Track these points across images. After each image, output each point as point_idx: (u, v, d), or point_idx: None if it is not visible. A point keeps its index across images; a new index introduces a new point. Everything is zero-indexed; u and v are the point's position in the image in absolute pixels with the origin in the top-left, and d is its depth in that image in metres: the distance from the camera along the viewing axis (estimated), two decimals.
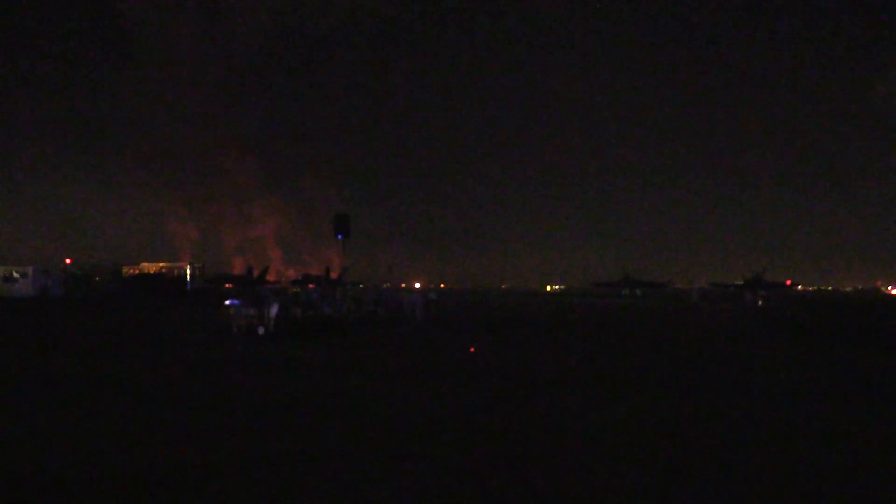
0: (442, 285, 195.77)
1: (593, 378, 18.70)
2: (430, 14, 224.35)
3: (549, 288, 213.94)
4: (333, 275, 57.94)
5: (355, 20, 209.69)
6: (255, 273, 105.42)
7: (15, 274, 73.82)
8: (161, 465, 9.62)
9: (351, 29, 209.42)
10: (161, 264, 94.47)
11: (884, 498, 8.59)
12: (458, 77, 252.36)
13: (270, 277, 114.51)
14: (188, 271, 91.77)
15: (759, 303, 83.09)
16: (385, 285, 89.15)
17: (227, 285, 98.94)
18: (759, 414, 13.70)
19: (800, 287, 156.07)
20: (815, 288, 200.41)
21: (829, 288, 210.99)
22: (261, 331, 30.11)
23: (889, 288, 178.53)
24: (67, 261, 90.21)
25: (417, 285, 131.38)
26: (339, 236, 39.58)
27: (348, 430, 11.95)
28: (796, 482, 9.01)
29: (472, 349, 25.57)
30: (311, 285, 78.25)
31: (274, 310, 31.20)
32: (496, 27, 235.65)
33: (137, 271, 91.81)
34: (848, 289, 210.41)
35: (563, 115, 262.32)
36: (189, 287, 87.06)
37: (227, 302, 33.93)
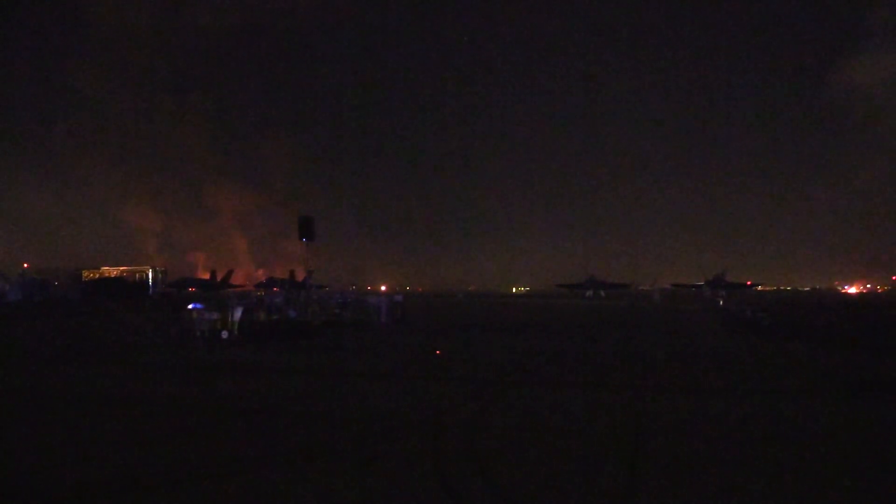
0: (408, 288, 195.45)
1: (559, 378, 18.97)
2: (403, 15, 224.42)
3: (514, 290, 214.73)
4: (298, 277, 57.58)
5: (325, 17, 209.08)
6: (219, 277, 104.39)
7: None
8: (129, 471, 9.57)
9: (322, 27, 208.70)
10: (122, 268, 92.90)
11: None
12: (426, 82, 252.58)
13: (237, 280, 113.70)
14: (150, 275, 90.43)
15: (720, 303, 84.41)
16: (350, 288, 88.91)
17: (190, 289, 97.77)
18: (709, 409, 14.06)
19: (760, 287, 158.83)
20: (775, 288, 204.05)
21: (789, 288, 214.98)
22: (224, 335, 29.88)
23: (846, 287, 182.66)
24: (25, 265, 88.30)
25: (383, 288, 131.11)
26: (304, 239, 39.41)
27: (315, 433, 12.00)
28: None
29: (438, 352, 25.70)
30: (275, 289, 77.65)
31: (238, 314, 30.99)
32: (467, 29, 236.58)
33: (97, 276, 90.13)
34: (806, 288, 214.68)
35: (527, 120, 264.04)
36: (151, 291, 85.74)
37: (190, 306, 33.61)
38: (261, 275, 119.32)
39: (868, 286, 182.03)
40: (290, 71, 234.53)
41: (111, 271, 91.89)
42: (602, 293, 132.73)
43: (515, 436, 11.73)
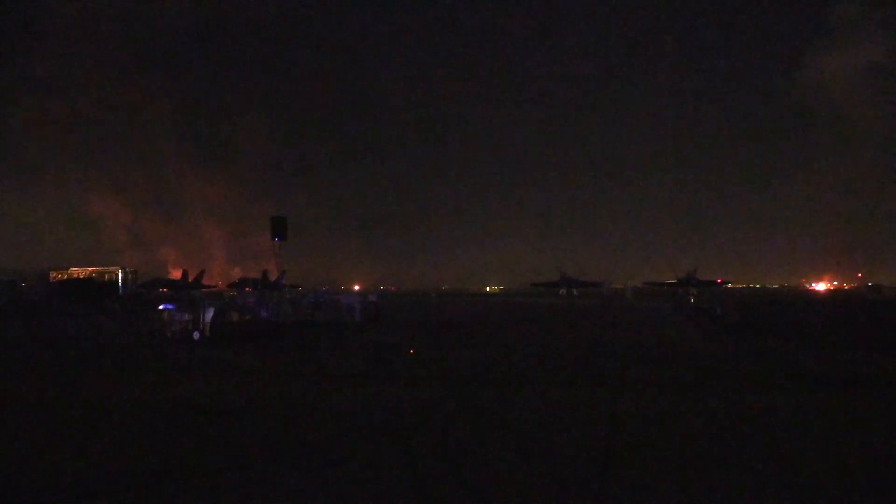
0: (381, 287, 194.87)
1: (534, 376, 19.13)
2: (379, 11, 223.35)
3: (488, 289, 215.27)
4: (271, 276, 57.24)
5: (298, 8, 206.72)
6: (191, 277, 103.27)
7: None
8: (93, 473, 9.52)
9: (295, 19, 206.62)
10: (91, 269, 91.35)
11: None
12: (399, 81, 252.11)
13: (212, 279, 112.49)
14: (120, 276, 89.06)
15: (691, 300, 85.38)
16: (324, 288, 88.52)
17: (161, 290, 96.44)
18: (678, 409, 14.31)
19: (729, 285, 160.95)
20: (745, 285, 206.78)
21: (757, 285, 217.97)
22: (196, 336, 29.67)
23: (813, 284, 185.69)
24: None
25: (357, 288, 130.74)
26: (276, 239, 39.18)
27: (284, 435, 12.01)
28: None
29: (412, 351, 25.77)
30: (247, 289, 77.09)
31: (209, 314, 30.79)
32: (442, 27, 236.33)
33: (66, 276, 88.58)
34: (774, 286, 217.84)
35: (500, 120, 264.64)
36: (121, 292, 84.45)
37: (161, 307, 33.35)
38: (237, 273, 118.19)
39: (835, 283, 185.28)
40: (265, 66, 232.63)
41: (80, 272, 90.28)
42: (575, 291, 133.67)
43: (489, 436, 11.83)
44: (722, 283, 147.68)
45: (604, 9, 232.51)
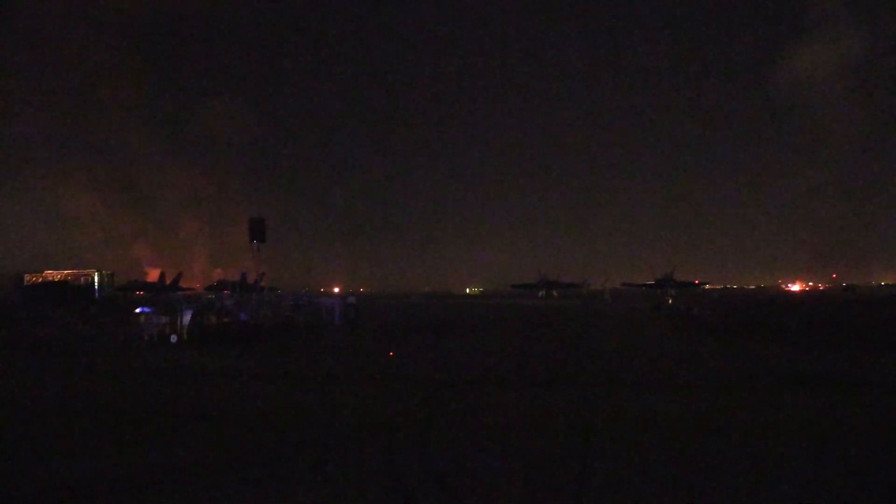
0: (361, 289, 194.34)
1: (514, 378, 19.14)
2: (360, 9, 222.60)
3: (468, 290, 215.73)
4: (250, 280, 56.91)
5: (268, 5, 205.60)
6: (168, 279, 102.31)
7: None
8: (65, 480, 9.38)
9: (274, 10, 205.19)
10: (66, 272, 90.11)
11: None
12: (378, 81, 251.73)
13: (193, 280, 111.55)
14: (96, 278, 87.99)
15: (669, 301, 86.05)
16: (303, 290, 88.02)
17: (138, 293, 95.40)
18: (659, 409, 14.39)
19: (707, 286, 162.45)
20: (722, 286, 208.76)
21: (735, 286, 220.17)
22: (174, 339, 29.40)
23: (789, 285, 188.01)
24: None
25: (336, 290, 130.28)
26: (255, 241, 38.88)
27: (263, 438, 11.91)
28: None
29: (391, 353, 25.68)
30: (226, 291, 76.67)
31: (187, 317, 30.50)
32: (423, 26, 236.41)
33: (40, 279, 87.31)
34: (752, 287, 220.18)
35: (479, 122, 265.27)
36: (97, 295, 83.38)
37: (138, 310, 32.97)
38: (218, 274, 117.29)
39: (810, 284, 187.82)
40: (246, 61, 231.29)
41: (55, 275, 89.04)
42: (554, 293, 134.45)
43: (469, 437, 11.80)
44: (699, 284, 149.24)
45: (583, 11, 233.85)
